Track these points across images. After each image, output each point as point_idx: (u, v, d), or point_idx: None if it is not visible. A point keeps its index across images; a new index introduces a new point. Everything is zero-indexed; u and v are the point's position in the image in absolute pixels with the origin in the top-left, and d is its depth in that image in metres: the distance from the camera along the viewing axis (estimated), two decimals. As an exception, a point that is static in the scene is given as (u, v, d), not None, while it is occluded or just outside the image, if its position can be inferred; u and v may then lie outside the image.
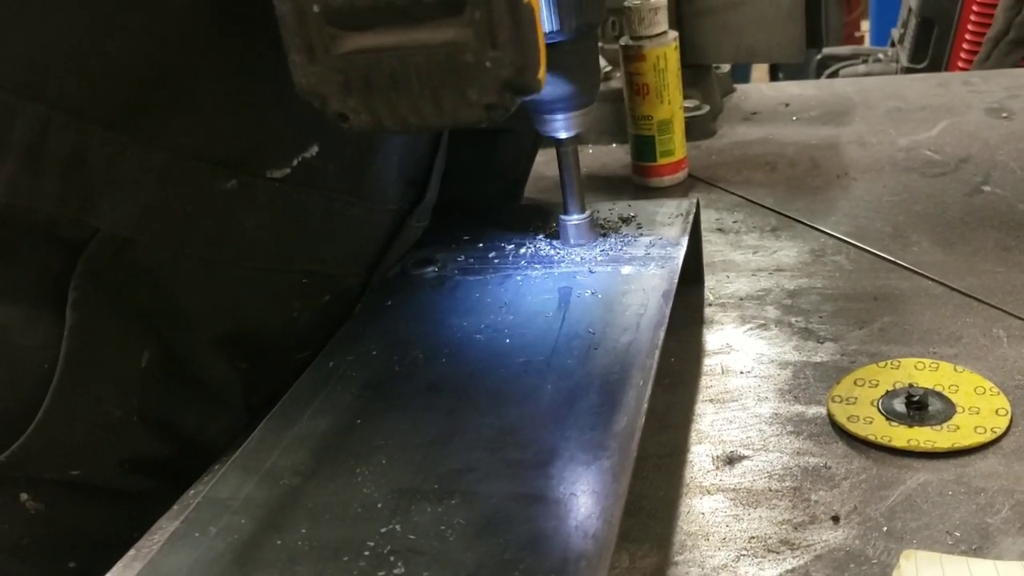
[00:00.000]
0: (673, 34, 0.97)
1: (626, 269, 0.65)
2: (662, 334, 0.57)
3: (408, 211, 0.69)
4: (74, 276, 0.54)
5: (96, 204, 0.53)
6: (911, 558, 0.46)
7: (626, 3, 0.96)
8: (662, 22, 0.96)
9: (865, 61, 2.20)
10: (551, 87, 0.64)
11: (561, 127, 0.67)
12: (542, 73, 0.41)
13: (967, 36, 1.92)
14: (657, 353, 0.55)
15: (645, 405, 0.51)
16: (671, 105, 0.97)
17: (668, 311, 0.60)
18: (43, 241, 0.53)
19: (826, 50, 2.28)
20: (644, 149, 0.99)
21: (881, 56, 2.21)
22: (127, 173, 0.53)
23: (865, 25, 3.93)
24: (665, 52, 0.95)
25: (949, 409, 0.59)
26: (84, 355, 0.55)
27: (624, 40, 0.97)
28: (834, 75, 2.23)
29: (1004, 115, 1.07)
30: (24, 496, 0.59)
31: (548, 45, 0.61)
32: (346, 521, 0.46)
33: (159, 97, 0.53)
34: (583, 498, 0.45)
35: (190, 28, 0.52)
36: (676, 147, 0.99)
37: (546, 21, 0.61)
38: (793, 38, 1.09)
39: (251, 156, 0.56)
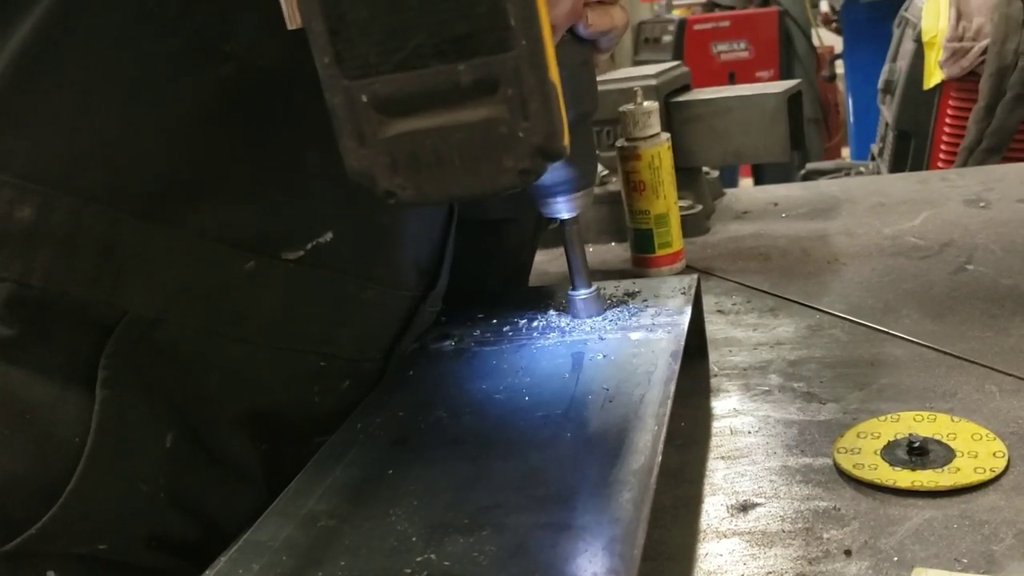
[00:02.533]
0: (665, 135, 1.03)
1: (635, 335, 0.69)
2: (672, 387, 0.60)
3: (421, 298, 0.72)
4: (103, 356, 0.57)
5: (125, 287, 0.56)
6: (923, 575, 0.49)
7: (620, 108, 1.02)
8: (655, 124, 1.02)
9: (848, 174, 2.29)
10: (552, 172, 0.69)
11: (563, 208, 0.72)
12: (567, 140, 0.45)
13: (942, 147, 2.01)
14: (669, 403, 0.58)
15: (661, 446, 0.54)
16: (666, 200, 1.03)
17: (677, 368, 0.63)
18: (74, 323, 0.56)
19: (810, 165, 2.38)
20: (643, 242, 1.04)
21: (863, 169, 2.30)
22: (155, 257, 0.57)
23: (846, 151, 4.09)
24: (659, 151, 1.02)
25: (949, 454, 0.62)
26: (113, 431, 0.57)
27: (620, 142, 1.03)
28: (818, 189, 2.31)
29: (982, 204, 1.13)
30: (51, 573, 0.60)
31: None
32: (382, 554, 0.48)
33: (184, 185, 0.57)
34: (607, 525, 0.47)
35: (212, 123, 0.57)
36: (673, 239, 1.04)
37: None
38: (778, 139, 1.16)
39: (268, 239, 0.60)
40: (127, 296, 0.57)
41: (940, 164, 2.02)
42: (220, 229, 0.58)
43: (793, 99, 1.16)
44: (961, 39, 1.95)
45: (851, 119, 3.21)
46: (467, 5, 0.40)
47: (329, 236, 0.62)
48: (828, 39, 4.83)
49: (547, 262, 1.17)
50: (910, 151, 2.08)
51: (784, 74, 4.30)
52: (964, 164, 1.94)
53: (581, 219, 0.73)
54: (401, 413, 0.63)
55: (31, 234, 0.55)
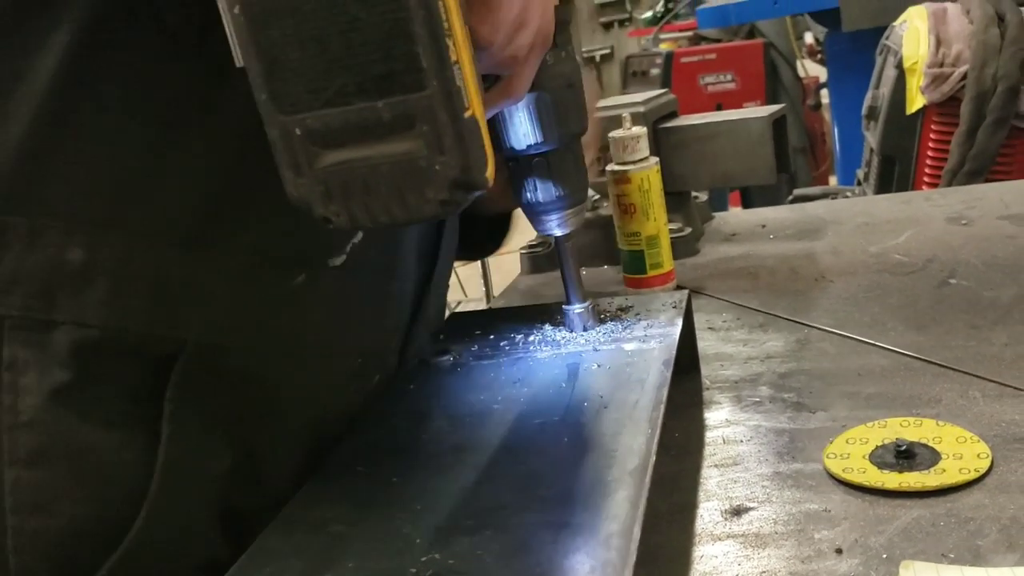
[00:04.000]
0: (654, 159, 1.05)
1: (628, 346, 0.71)
2: (665, 393, 0.62)
3: (426, 282, 0.75)
4: (168, 388, 0.58)
5: (183, 316, 0.58)
6: (909, 568, 0.50)
7: (610, 134, 1.05)
8: (644, 149, 1.04)
9: (834, 199, 2.32)
10: (543, 191, 0.72)
11: (556, 225, 0.74)
12: (489, 172, 0.48)
13: (926, 171, 2.05)
14: (662, 408, 0.60)
15: (655, 447, 0.56)
16: (657, 222, 1.05)
17: (668, 375, 0.65)
18: (133, 361, 0.57)
19: (797, 191, 2.41)
20: (635, 263, 1.06)
21: (849, 194, 2.33)
22: (208, 283, 0.58)
23: (834, 180, 4.13)
24: (648, 175, 1.04)
25: (935, 456, 0.64)
26: (178, 465, 0.58)
27: (611, 166, 1.06)
28: (806, 214, 2.34)
29: (964, 222, 1.16)
30: None
31: (537, 154, 0.70)
32: (389, 555, 0.49)
33: (226, 208, 0.59)
34: (604, 522, 0.49)
35: (245, 141, 0.57)
36: (664, 260, 1.06)
37: (530, 134, 0.69)
38: (764, 162, 1.18)
39: (312, 249, 0.62)
40: (186, 325, 0.58)
41: (924, 187, 2.05)
42: (267, 247, 0.60)
43: (778, 123, 1.19)
44: (941, 65, 1.99)
45: (837, 146, 3.25)
46: (384, 49, 0.43)
47: (360, 235, 0.64)
48: (813, 70, 4.90)
49: (543, 285, 1.19)
50: (895, 175, 2.11)
51: (770, 104, 4.36)
52: (948, 187, 1.97)
53: (574, 242, 0.75)
54: (403, 423, 0.65)
55: (83, 275, 0.55)
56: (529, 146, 0.70)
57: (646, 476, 0.52)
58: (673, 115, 1.27)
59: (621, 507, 0.50)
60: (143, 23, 0.55)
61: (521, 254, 1.26)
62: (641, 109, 1.19)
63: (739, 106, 4.25)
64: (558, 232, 0.73)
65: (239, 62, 0.45)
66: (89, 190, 0.56)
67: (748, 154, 1.18)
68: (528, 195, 0.73)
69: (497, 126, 0.70)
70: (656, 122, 1.23)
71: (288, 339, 0.63)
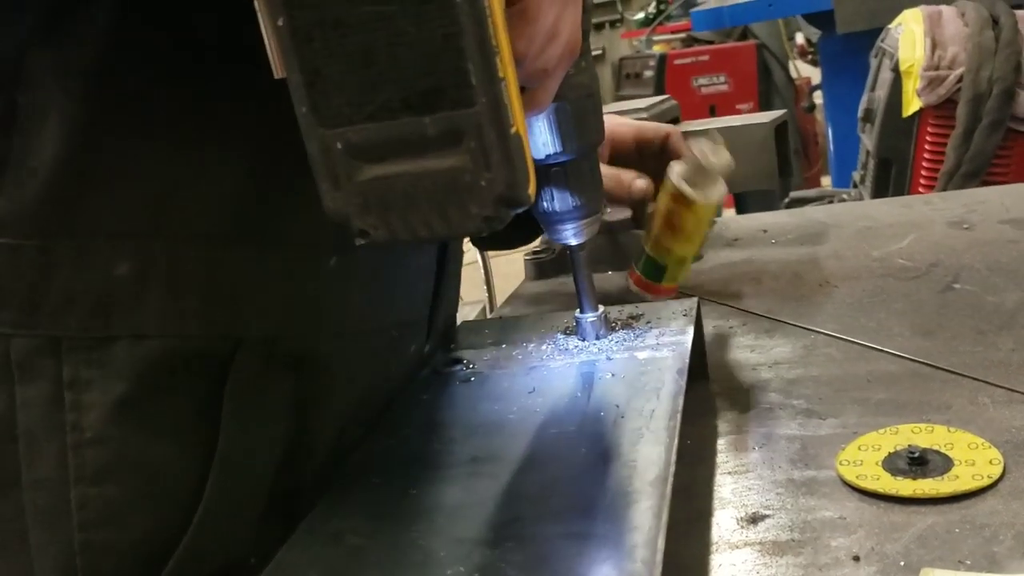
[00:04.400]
0: (724, 189, 0.94)
1: (641, 355, 0.71)
2: (680, 402, 0.63)
3: (444, 248, 0.77)
4: (227, 390, 0.58)
5: (237, 314, 0.59)
6: (930, 575, 0.51)
7: (696, 148, 0.93)
8: (722, 181, 0.94)
9: (831, 201, 2.34)
10: (559, 201, 0.72)
11: (571, 235, 0.74)
12: (531, 189, 0.48)
13: (923, 172, 2.06)
14: (679, 417, 0.61)
15: (674, 457, 0.56)
16: (693, 247, 0.97)
17: (683, 384, 0.65)
18: (193, 368, 0.58)
19: (793, 193, 2.42)
20: (653, 271, 1.01)
21: (845, 196, 2.35)
22: (256, 278, 0.59)
23: (826, 180, 4.15)
24: (713, 207, 0.95)
25: (947, 463, 0.64)
26: (233, 463, 0.59)
27: (678, 179, 0.92)
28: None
29: (965, 227, 1.16)
30: None
31: (555, 164, 0.70)
32: (412, 569, 0.50)
33: (264, 205, 0.59)
34: (627, 534, 0.50)
35: (273, 135, 0.56)
36: (679, 278, 1.03)
37: (549, 144, 0.69)
38: (767, 167, 1.19)
39: (342, 232, 0.63)
40: (240, 322, 0.59)
41: (921, 189, 2.07)
42: (303, 234, 0.61)
43: (779, 128, 1.20)
44: (937, 68, 2.01)
45: (831, 147, 3.27)
46: (432, 64, 0.43)
47: None
48: (805, 71, 4.92)
49: (546, 292, 1.20)
50: (891, 177, 2.12)
51: (763, 106, 4.37)
52: (944, 189, 1.99)
53: (588, 250, 0.76)
54: (418, 434, 0.65)
55: (135, 287, 0.56)
56: (548, 156, 0.70)
57: (667, 486, 0.53)
58: (676, 121, 1.28)
59: (643, 518, 0.50)
60: (169, 30, 0.56)
61: (526, 260, 1.26)
62: (644, 116, 1.20)
63: (732, 107, 4.28)
64: (573, 242, 0.74)
65: (279, 73, 0.45)
66: (129, 203, 0.56)
67: (750, 160, 1.19)
68: (545, 204, 0.73)
69: None
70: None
71: (330, 320, 0.64)
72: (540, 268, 1.26)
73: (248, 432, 0.59)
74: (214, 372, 0.58)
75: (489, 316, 1.43)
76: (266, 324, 0.59)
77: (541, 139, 0.69)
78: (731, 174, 1.11)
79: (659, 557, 0.46)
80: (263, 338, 0.59)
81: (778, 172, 1.19)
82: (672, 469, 0.55)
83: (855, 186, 2.39)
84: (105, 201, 0.56)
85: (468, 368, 0.75)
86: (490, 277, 1.88)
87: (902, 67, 2.05)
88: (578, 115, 0.69)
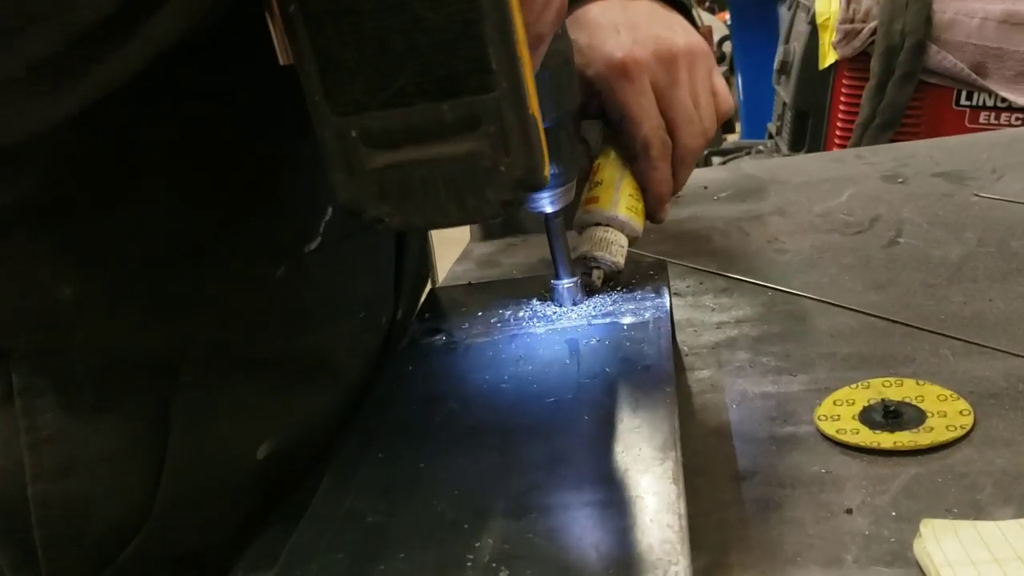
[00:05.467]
0: None
1: (623, 319, 0.72)
2: (672, 365, 0.64)
3: None
4: (176, 389, 0.60)
5: (180, 329, 0.60)
6: (929, 526, 0.54)
7: None
8: None
9: (748, 153, 2.39)
10: None
11: (547, 203, 0.74)
12: (547, 171, 0.48)
13: (839, 124, 2.12)
14: (673, 379, 0.62)
15: (677, 421, 0.57)
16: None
17: (670, 346, 0.67)
18: (143, 373, 0.59)
19: (709, 147, 2.46)
20: None
21: (761, 148, 2.40)
22: (199, 295, 0.59)
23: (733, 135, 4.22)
24: None
25: (920, 415, 0.67)
26: (188, 463, 0.61)
27: None
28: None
29: (900, 180, 1.21)
30: None
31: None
32: (439, 542, 0.50)
33: (206, 225, 0.59)
34: (649, 498, 0.51)
35: (214, 163, 0.58)
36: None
37: None
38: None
39: (287, 240, 0.63)
40: (184, 335, 0.60)
41: (837, 140, 2.13)
42: (247, 248, 0.61)
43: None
44: (852, 21, 2.06)
45: (741, 99, 3.33)
46: (450, 49, 0.42)
47: (330, 211, 0.65)
48: (707, 19, 4.97)
49: (497, 253, 1.20)
50: (808, 128, 2.18)
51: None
52: (860, 139, 2.05)
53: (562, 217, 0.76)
54: (412, 407, 0.65)
55: (77, 308, 0.56)
56: None
57: (676, 451, 0.54)
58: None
59: (660, 483, 0.51)
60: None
61: (472, 221, 1.26)
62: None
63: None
64: (549, 209, 0.74)
65: (284, 60, 0.43)
66: (70, 235, 0.56)
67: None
68: None
69: None
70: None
71: (286, 323, 0.64)
72: (487, 228, 1.26)
73: (201, 432, 0.61)
74: (164, 377, 0.60)
75: (433, 283, 1.42)
76: (211, 334, 0.61)
77: None
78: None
79: (684, 522, 0.48)
80: (210, 346, 0.61)
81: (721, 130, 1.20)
82: (678, 434, 0.56)
83: (770, 137, 2.44)
84: (43, 233, 0.56)
85: (447, 338, 0.75)
86: (431, 242, 1.86)
87: (818, 20, 2.10)
88: (556, 82, 0.69)
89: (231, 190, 0.60)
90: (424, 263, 0.89)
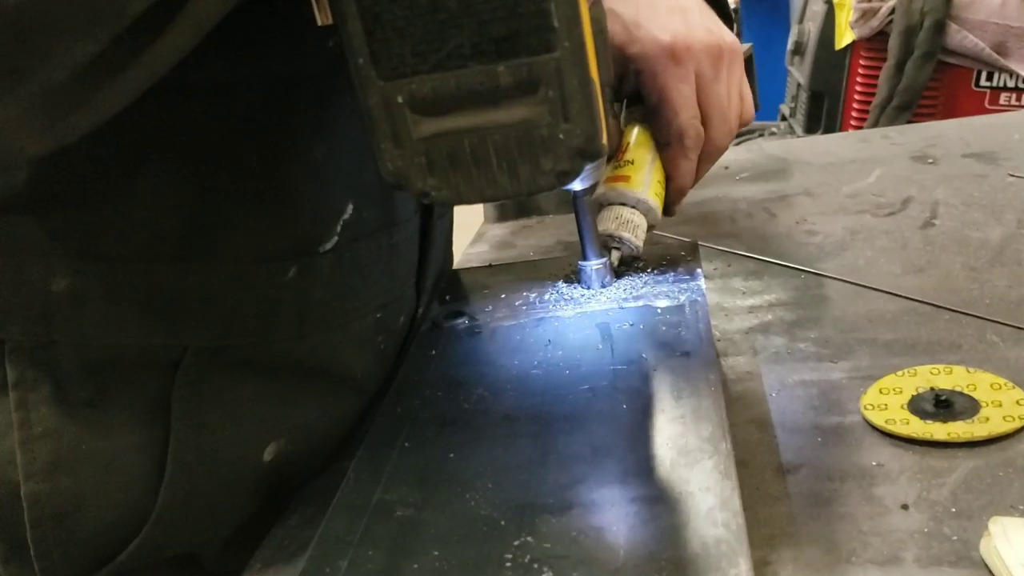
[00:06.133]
0: None
1: (656, 302, 0.69)
2: (714, 351, 0.61)
3: (427, 213, 0.74)
4: (174, 394, 0.57)
5: (180, 327, 0.56)
6: (999, 524, 0.50)
7: None
8: None
9: (762, 135, 2.35)
10: None
11: (578, 180, 0.71)
12: (605, 139, 0.44)
13: (855, 105, 2.08)
14: (718, 367, 0.58)
15: (724, 411, 0.54)
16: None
17: (710, 332, 0.63)
18: (140, 371, 0.56)
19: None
20: None
21: (774, 129, 2.36)
22: (200, 294, 0.56)
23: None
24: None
25: (974, 405, 0.64)
26: (192, 463, 0.58)
27: None
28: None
29: (930, 161, 1.17)
30: None
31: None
32: (476, 540, 0.46)
33: (209, 222, 0.56)
34: (699, 495, 0.47)
35: (219, 157, 0.55)
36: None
37: None
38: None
39: (301, 241, 0.59)
40: (184, 334, 0.57)
41: (853, 122, 2.09)
42: (254, 249, 0.58)
43: (747, 61, 1.17)
44: (870, 0, 2.01)
45: (751, 80, 3.28)
46: (509, 6, 0.39)
47: (351, 208, 0.61)
48: None
49: (511, 234, 1.16)
50: (823, 110, 2.14)
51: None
52: (876, 121, 2.01)
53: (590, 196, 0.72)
54: (439, 393, 0.61)
55: (72, 302, 0.54)
56: None
57: (725, 443, 0.51)
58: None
59: (711, 478, 0.48)
60: None
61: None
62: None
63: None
64: (579, 187, 0.70)
65: (323, 20, 0.39)
66: (65, 226, 0.53)
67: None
68: None
69: None
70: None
71: (295, 322, 0.61)
72: (501, 208, 1.22)
73: (204, 433, 0.58)
74: (161, 374, 0.57)
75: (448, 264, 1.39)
76: (211, 336, 0.58)
77: None
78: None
79: (741, 520, 0.44)
80: (210, 348, 0.58)
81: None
82: (727, 424, 0.52)
83: (784, 119, 2.40)
84: (37, 223, 0.53)
85: (470, 320, 0.71)
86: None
87: (835, -1, 2.05)
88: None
89: (238, 188, 0.56)
90: (447, 259, 0.85)
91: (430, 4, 0.38)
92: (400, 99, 0.40)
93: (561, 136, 0.40)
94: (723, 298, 0.87)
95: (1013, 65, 1.91)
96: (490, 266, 0.82)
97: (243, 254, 0.57)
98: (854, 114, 2.07)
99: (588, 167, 0.70)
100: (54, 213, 0.53)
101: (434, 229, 0.76)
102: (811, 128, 2.13)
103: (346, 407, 0.64)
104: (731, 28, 0.79)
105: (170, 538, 0.59)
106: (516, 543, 0.45)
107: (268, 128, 0.56)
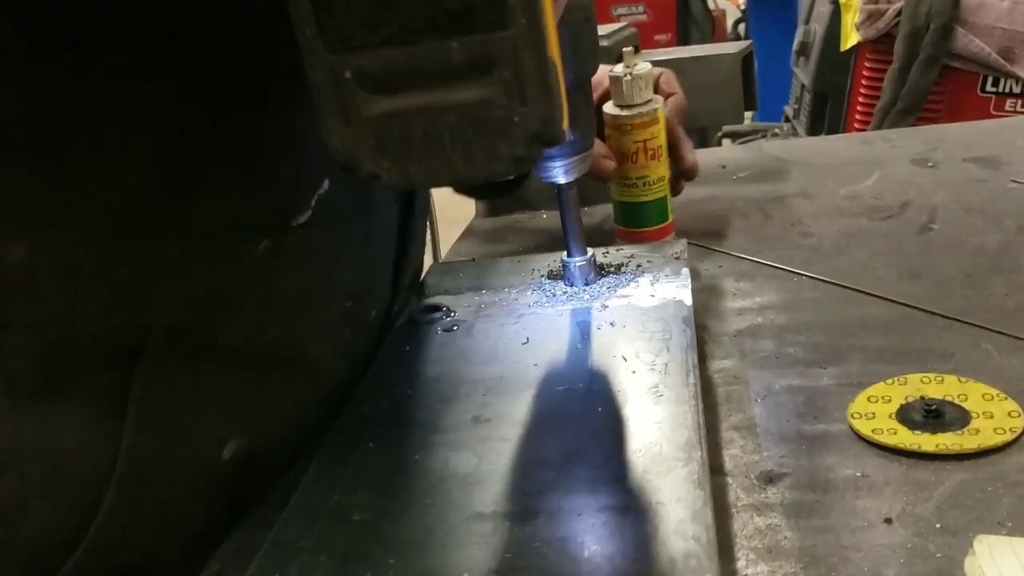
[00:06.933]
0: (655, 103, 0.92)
1: (639, 301, 0.66)
2: (695, 355, 0.58)
3: (409, 206, 0.72)
4: (134, 382, 0.53)
5: (143, 304, 0.53)
6: (984, 542, 0.48)
7: (618, 73, 0.90)
8: (651, 85, 0.92)
9: (764, 136, 2.32)
10: None
11: (560, 172, 0.69)
12: (566, 124, 0.42)
13: (859, 107, 2.05)
14: (697, 372, 0.56)
15: (701, 418, 0.52)
16: (651, 169, 0.93)
17: (693, 334, 0.61)
18: (96, 358, 0.52)
19: (725, 127, 2.40)
20: (656, 211, 0.95)
21: (777, 130, 2.33)
22: (165, 267, 0.53)
23: (747, 113, 4.15)
24: (649, 120, 0.91)
25: (964, 415, 0.61)
26: (146, 459, 0.54)
27: (631, 110, 0.90)
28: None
29: (930, 164, 1.14)
30: None
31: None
32: (433, 549, 0.44)
33: (173, 192, 0.52)
34: (671, 506, 0.45)
35: (182, 125, 0.52)
36: (665, 214, 0.96)
37: None
38: (732, 101, 1.15)
39: (274, 213, 0.57)
40: (147, 312, 0.53)
41: (857, 124, 2.06)
42: (222, 221, 0.54)
43: (746, 60, 1.15)
44: (877, 1, 1.98)
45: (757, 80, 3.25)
46: None
47: (327, 184, 0.59)
48: (720, 2, 4.90)
49: (501, 230, 1.14)
50: (827, 112, 2.11)
51: (681, 38, 4.34)
52: (880, 124, 1.98)
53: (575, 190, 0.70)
54: (410, 392, 0.59)
55: (28, 274, 0.50)
56: None
57: (701, 451, 0.48)
58: (636, 48, 1.22)
59: (684, 488, 0.46)
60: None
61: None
62: (605, 43, 1.14)
63: (651, 38, 4.23)
64: (563, 180, 0.68)
65: None
66: (24, 190, 0.49)
67: (716, 92, 1.14)
68: None
69: None
70: (619, 57, 1.17)
71: (262, 305, 0.58)
72: (492, 204, 1.20)
73: (161, 427, 0.54)
74: (121, 362, 0.53)
75: (435, 259, 1.37)
76: (176, 314, 0.54)
77: None
78: (691, 99, 1.06)
79: (712, 534, 0.42)
80: (175, 328, 0.54)
81: (744, 106, 1.14)
82: (703, 432, 0.50)
83: (787, 120, 2.38)
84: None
85: (448, 316, 0.69)
86: (434, 218, 1.80)
87: (841, 0, 2.02)
88: (575, 40, 0.63)
89: (213, 153, 0.53)
90: (421, 259, 0.82)
91: None
92: (348, 74, 0.38)
93: (516, 119, 0.38)
94: (713, 300, 0.85)
95: (1019, 71, 1.88)
96: (472, 261, 0.80)
97: (214, 223, 0.54)
98: (858, 117, 2.04)
99: (571, 159, 0.68)
100: (10, 172, 0.50)
101: (416, 222, 0.74)
102: (814, 130, 2.10)
103: (308, 403, 0.61)
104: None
105: (120, 542, 0.55)
106: (475, 552, 0.43)
107: (246, 94, 0.54)
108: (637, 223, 0.95)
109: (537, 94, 0.38)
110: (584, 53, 0.64)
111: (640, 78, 0.89)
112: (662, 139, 0.92)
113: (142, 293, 0.52)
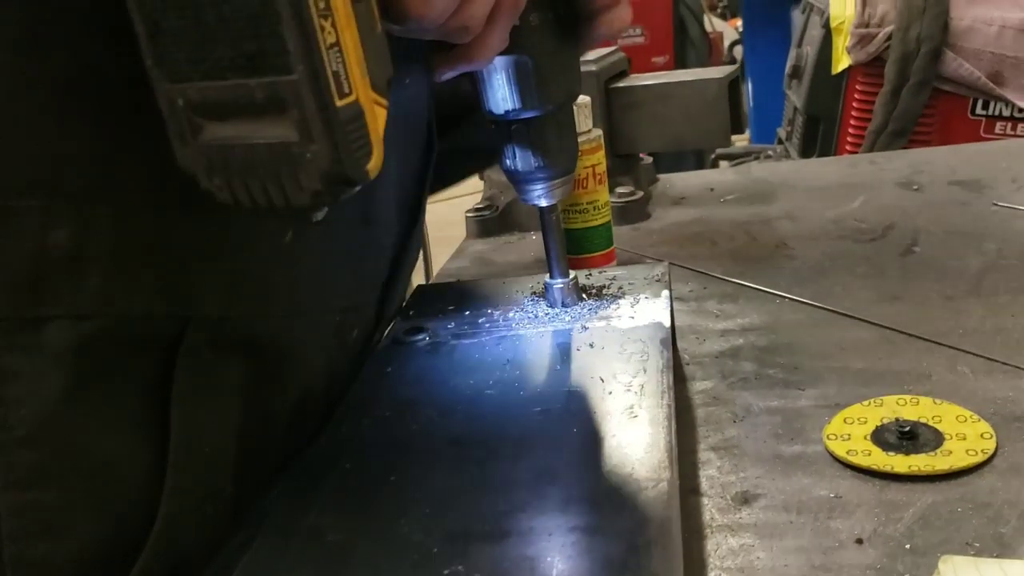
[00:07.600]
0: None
1: (619, 324, 0.67)
2: (670, 376, 0.59)
3: (407, 235, 0.72)
4: (177, 372, 0.51)
5: (187, 290, 0.52)
6: (948, 563, 0.48)
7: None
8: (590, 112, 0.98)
9: (757, 158, 2.34)
10: (522, 160, 0.67)
11: (541, 196, 0.70)
12: (372, 164, 0.44)
13: (850, 130, 2.07)
14: (671, 393, 0.57)
15: (674, 439, 0.52)
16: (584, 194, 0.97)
17: (670, 356, 0.62)
18: (136, 352, 0.50)
19: (719, 150, 2.41)
20: (604, 236, 0.99)
21: (771, 152, 2.35)
22: (209, 250, 0.53)
23: (741, 138, 4.17)
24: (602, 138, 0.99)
25: (938, 437, 0.62)
26: (192, 456, 0.52)
27: (580, 137, 0.91)
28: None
29: (915, 187, 1.16)
30: None
31: (515, 121, 0.66)
32: (404, 569, 0.45)
33: None
34: (639, 527, 0.46)
35: None
36: (605, 239, 1.00)
37: (507, 99, 0.64)
38: (719, 125, 1.16)
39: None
40: (190, 299, 0.52)
41: (848, 147, 2.07)
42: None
43: (732, 84, 1.16)
44: (867, 25, 2.00)
45: (751, 103, 3.27)
46: (254, 25, 0.40)
47: None
48: (718, 25, 4.94)
49: (491, 251, 1.15)
50: (819, 134, 2.12)
51: (679, 60, 4.37)
52: (872, 147, 2.00)
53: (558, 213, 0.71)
54: (388, 413, 0.60)
55: (72, 259, 0.47)
56: (507, 111, 0.65)
57: (673, 472, 0.49)
58: (623, 74, 1.23)
59: (653, 508, 0.46)
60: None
61: (468, 217, 1.21)
62: (593, 68, 1.15)
63: (648, 61, 4.25)
64: (543, 203, 0.69)
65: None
66: (66, 161, 0.47)
67: (702, 116, 1.15)
68: (507, 162, 0.68)
69: (477, 86, 0.65)
70: (607, 82, 1.19)
71: (282, 300, 0.58)
72: (483, 226, 1.21)
73: (202, 418, 0.52)
74: (161, 354, 0.51)
75: (428, 279, 1.38)
76: (214, 303, 0.53)
77: (500, 93, 0.64)
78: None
79: (679, 557, 0.43)
80: (212, 317, 0.53)
81: (729, 131, 1.15)
82: (675, 453, 0.51)
83: (780, 142, 2.39)
84: (37, 159, 0.47)
85: (431, 337, 0.70)
86: (426, 239, 1.80)
87: (833, 24, 2.04)
88: (541, 70, 0.64)
89: None
90: (406, 289, 0.82)
91: (194, 16, 0.40)
92: (180, 101, 0.42)
93: (309, 156, 0.41)
94: (696, 321, 0.86)
95: (1009, 94, 1.89)
96: (457, 282, 0.80)
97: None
98: (849, 139, 2.05)
99: (548, 184, 0.69)
100: (53, 141, 0.47)
101: (407, 256, 0.75)
102: (806, 152, 2.12)
103: (289, 404, 0.60)
104: None
105: (172, 556, 0.51)
106: (446, 572, 0.44)
107: None
108: (587, 248, 0.99)
109: (322, 135, 0.41)
110: (552, 83, 0.65)
111: (583, 107, 0.95)
112: (604, 164, 0.98)
113: (188, 276, 0.51)
